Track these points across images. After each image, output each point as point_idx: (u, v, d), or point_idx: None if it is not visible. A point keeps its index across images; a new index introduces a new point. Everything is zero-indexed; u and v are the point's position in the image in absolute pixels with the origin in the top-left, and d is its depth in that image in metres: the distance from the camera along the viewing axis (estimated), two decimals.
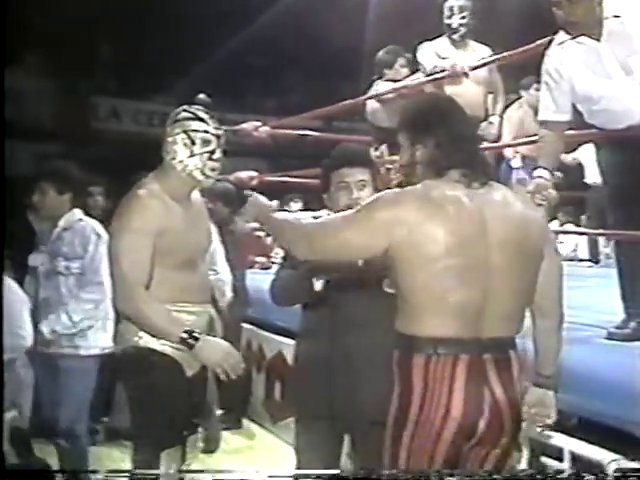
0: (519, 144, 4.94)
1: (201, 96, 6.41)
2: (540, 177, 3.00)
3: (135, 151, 11.68)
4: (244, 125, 6.26)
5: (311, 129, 7.04)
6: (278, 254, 6.16)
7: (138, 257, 2.44)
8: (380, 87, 5.24)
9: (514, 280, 1.97)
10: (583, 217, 9.27)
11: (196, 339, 2.42)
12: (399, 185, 2.17)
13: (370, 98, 5.26)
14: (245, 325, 5.08)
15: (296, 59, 13.98)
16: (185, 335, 2.41)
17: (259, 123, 6.34)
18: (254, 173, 6.26)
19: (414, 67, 5.19)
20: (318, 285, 2.51)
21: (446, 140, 1.98)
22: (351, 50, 10.74)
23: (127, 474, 2.12)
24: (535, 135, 4.83)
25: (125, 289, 2.44)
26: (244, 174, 6.11)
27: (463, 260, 1.90)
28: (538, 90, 4.92)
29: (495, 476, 1.92)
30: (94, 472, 2.23)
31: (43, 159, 3.63)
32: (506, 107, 5.52)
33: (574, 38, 2.97)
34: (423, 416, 1.91)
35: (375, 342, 2.53)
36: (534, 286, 2.04)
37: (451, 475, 1.88)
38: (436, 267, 1.89)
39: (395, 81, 5.16)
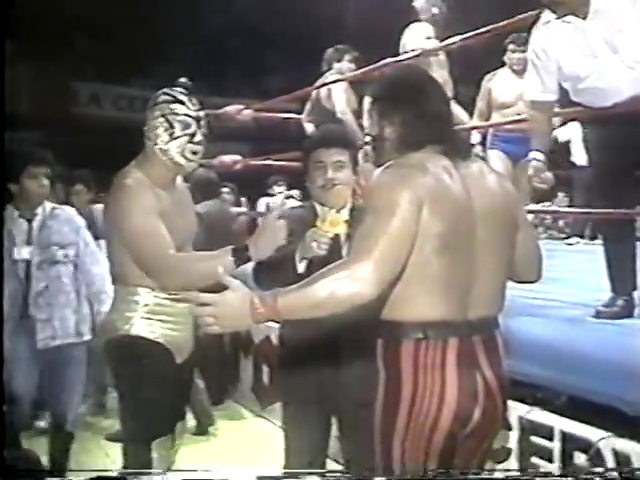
0: (504, 123, 4.87)
1: (182, 80, 6.35)
2: (535, 159, 2.99)
3: (117, 137, 11.62)
4: (227, 108, 6.21)
5: (293, 112, 6.98)
6: None
7: (154, 230, 2.39)
8: (328, 78, 5.43)
9: (498, 254, 1.91)
10: (560, 194, 9.30)
11: (245, 248, 2.32)
12: (374, 162, 2.09)
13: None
14: None
15: (276, 41, 13.88)
16: (234, 257, 2.31)
17: (242, 106, 6.30)
18: (238, 157, 6.23)
19: (360, 64, 5.36)
20: (301, 267, 2.48)
21: (413, 118, 1.90)
22: (332, 31, 10.67)
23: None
24: (509, 104, 4.98)
25: (159, 265, 2.37)
26: (228, 158, 6.08)
27: (452, 236, 1.81)
28: (514, 52, 5.05)
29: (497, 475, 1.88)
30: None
31: (21, 147, 3.58)
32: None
33: (560, 17, 2.96)
34: (416, 407, 1.82)
35: (362, 323, 2.52)
36: (512, 259, 1.97)
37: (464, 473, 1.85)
38: (428, 245, 1.79)
39: (341, 74, 5.38)
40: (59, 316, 3.34)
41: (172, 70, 13.30)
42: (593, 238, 7.32)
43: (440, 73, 4.83)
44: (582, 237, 8.05)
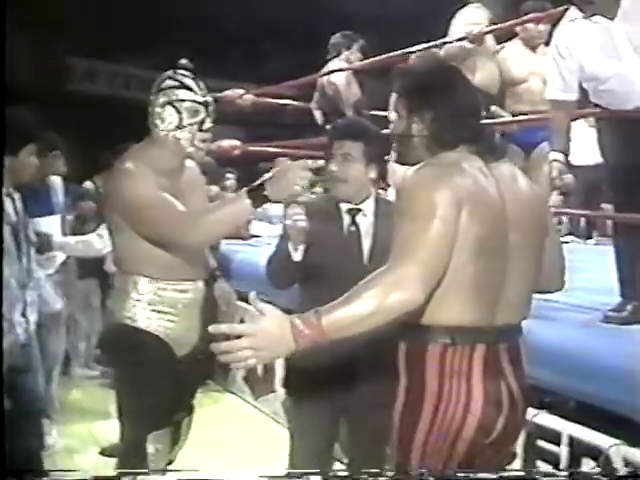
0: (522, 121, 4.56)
1: (183, 61, 6.23)
2: (556, 160, 2.93)
3: (111, 115, 11.49)
4: (227, 92, 6.11)
5: (292, 98, 6.90)
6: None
7: (161, 198, 2.31)
8: (334, 65, 5.34)
9: (528, 260, 1.84)
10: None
11: (262, 188, 2.20)
12: (399, 159, 2.02)
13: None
14: None
15: (276, 25, 13.74)
16: (251, 198, 2.20)
17: (242, 91, 6.21)
18: (236, 142, 6.13)
19: (367, 53, 5.32)
20: (297, 256, 2.43)
21: (446, 115, 1.82)
22: (333, 16, 10.56)
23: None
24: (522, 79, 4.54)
25: (176, 226, 2.28)
26: (226, 143, 5.98)
27: (488, 240, 1.75)
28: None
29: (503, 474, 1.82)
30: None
31: (15, 122, 3.49)
32: None
33: (587, 17, 2.89)
34: (440, 413, 1.75)
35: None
36: (541, 266, 1.91)
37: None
38: (466, 249, 1.72)
39: (350, 62, 5.30)
40: None
41: (169, 50, 13.18)
42: (588, 237, 7.29)
43: (489, 67, 4.55)
44: (577, 236, 8.02)
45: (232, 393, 5.01)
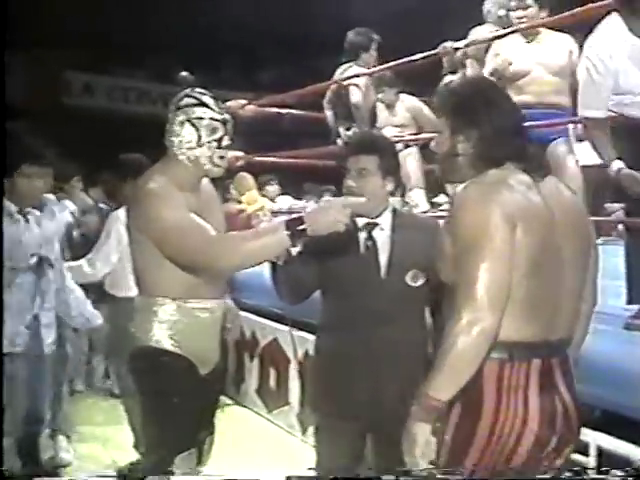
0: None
1: (183, 73, 6.25)
2: (623, 168, 2.92)
3: (110, 128, 11.48)
4: (229, 103, 6.07)
5: (291, 106, 6.88)
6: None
7: (191, 221, 2.27)
8: (353, 71, 5.12)
9: (578, 275, 1.86)
10: None
11: (300, 221, 2.16)
12: (443, 177, 2.02)
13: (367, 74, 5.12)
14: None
15: (273, 34, 13.74)
16: (289, 230, 2.16)
17: (245, 101, 6.18)
18: (240, 153, 6.10)
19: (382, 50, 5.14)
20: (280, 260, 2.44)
21: (491, 133, 1.83)
22: (330, 24, 10.55)
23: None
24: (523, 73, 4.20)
25: (206, 252, 2.24)
26: (230, 154, 5.94)
27: (543, 256, 1.76)
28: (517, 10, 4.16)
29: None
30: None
31: (12, 137, 3.47)
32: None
33: (631, 28, 2.84)
34: (497, 428, 1.76)
35: (399, 337, 2.46)
36: (589, 279, 1.92)
37: None
38: (522, 266, 1.73)
39: (369, 65, 5.11)
40: None
41: (167, 61, 13.21)
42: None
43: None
44: None
45: (244, 407, 4.97)
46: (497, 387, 1.77)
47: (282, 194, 8.06)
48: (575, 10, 3.49)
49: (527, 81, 4.13)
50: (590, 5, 3.34)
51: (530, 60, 4.16)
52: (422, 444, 1.74)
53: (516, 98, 4.21)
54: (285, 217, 2.26)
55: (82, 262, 3.92)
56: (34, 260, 3.16)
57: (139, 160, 3.93)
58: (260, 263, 2.32)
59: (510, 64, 4.10)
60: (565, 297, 1.82)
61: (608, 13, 2.97)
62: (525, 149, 1.89)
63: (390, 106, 5.64)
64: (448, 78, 5.18)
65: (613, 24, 2.93)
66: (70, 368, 4.31)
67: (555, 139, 3.99)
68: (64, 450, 3.97)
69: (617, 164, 2.96)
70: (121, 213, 4.01)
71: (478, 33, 4.79)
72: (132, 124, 11.85)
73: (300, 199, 9.19)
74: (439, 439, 1.82)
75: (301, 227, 2.15)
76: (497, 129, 1.84)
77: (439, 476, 1.79)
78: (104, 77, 14.08)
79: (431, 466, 1.78)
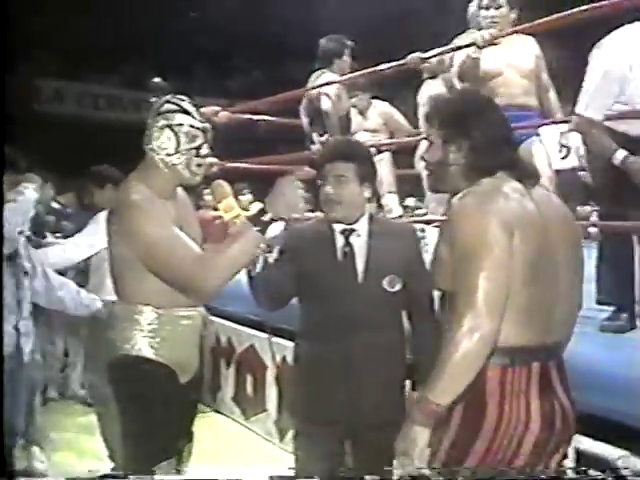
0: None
1: (156, 80, 6.21)
2: (628, 156, 2.93)
3: (80, 135, 11.39)
4: (203, 109, 6.05)
5: (265, 113, 6.87)
6: None
7: (177, 239, 2.25)
8: (326, 78, 5.06)
9: (572, 279, 1.91)
10: None
11: (262, 212, 2.23)
12: (433, 186, 2.04)
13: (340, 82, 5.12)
14: (213, 318, 4.94)
15: (246, 40, 13.73)
16: (256, 226, 2.21)
17: (218, 108, 6.16)
18: (214, 160, 6.07)
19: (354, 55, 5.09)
20: (258, 266, 2.48)
21: (482, 143, 1.87)
22: (304, 30, 10.56)
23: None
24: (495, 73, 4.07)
25: (194, 271, 2.21)
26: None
27: (539, 262, 1.80)
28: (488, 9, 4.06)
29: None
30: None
31: None
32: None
33: None
34: (500, 434, 1.79)
35: (377, 342, 2.46)
36: (582, 281, 1.97)
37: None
38: (519, 273, 1.77)
39: (343, 71, 5.05)
40: None
41: (138, 68, 13.15)
42: None
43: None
44: None
45: (220, 413, 4.95)
46: (500, 392, 1.80)
47: (255, 201, 8.05)
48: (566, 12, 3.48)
49: (499, 83, 4.12)
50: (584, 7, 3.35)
51: (501, 62, 4.14)
52: (421, 448, 1.76)
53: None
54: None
55: (65, 243, 3.89)
56: (29, 265, 3.20)
57: (110, 171, 3.93)
58: (242, 268, 2.32)
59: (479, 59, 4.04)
60: (560, 300, 1.86)
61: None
62: (516, 158, 1.94)
63: (363, 111, 5.66)
64: (428, 83, 5.19)
65: (633, 32, 2.96)
66: (44, 376, 4.27)
67: (525, 140, 3.99)
68: (38, 460, 3.92)
69: (621, 153, 2.97)
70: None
71: (462, 41, 4.75)
72: (103, 131, 11.78)
73: None
74: (437, 442, 1.85)
75: (265, 217, 2.20)
76: (488, 139, 1.88)
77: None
78: (74, 83, 13.97)
79: (423, 468, 1.80)
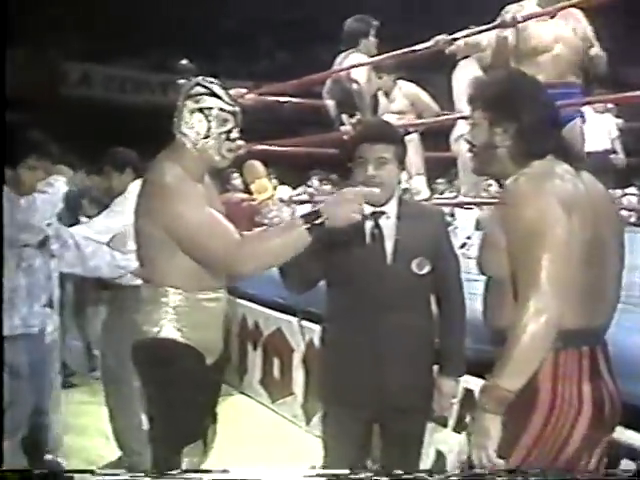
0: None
1: (183, 62, 6.17)
2: None
3: (107, 118, 11.43)
4: (230, 92, 6.03)
5: (290, 95, 6.84)
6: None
7: (216, 222, 2.24)
8: (354, 58, 5.02)
9: (617, 262, 1.90)
10: None
11: (317, 214, 2.14)
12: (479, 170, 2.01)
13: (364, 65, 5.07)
14: (240, 301, 4.95)
15: (272, 22, 13.68)
16: (307, 224, 2.14)
17: (245, 90, 6.13)
18: (241, 142, 6.06)
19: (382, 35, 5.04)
20: None
21: (529, 125, 1.85)
22: (329, 12, 10.48)
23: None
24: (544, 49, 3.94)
25: (233, 255, 2.20)
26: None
27: (594, 244, 1.79)
28: None
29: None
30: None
31: (11, 129, 3.45)
32: None
33: None
34: (552, 420, 1.77)
35: (404, 325, 2.44)
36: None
37: None
38: (577, 254, 1.76)
39: (369, 52, 5.02)
40: None
41: (165, 51, 13.15)
42: None
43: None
44: None
45: (248, 396, 4.96)
46: (552, 377, 1.78)
47: (280, 184, 8.05)
48: None
49: (547, 59, 4.01)
50: None
51: (550, 37, 4.02)
52: (495, 437, 1.74)
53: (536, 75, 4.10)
54: (294, 209, 2.23)
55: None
56: (40, 237, 3.19)
57: (129, 153, 3.91)
58: (283, 261, 2.28)
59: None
60: (609, 284, 1.86)
61: None
62: (564, 140, 1.92)
63: (388, 93, 5.61)
64: (462, 64, 5.11)
65: None
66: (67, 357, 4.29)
67: (570, 120, 3.78)
68: (61, 445, 3.92)
69: None
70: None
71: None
72: (130, 114, 11.81)
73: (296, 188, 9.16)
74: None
75: (318, 221, 2.13)
76: (536, 122, 1.85)
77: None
78: (101, 67, 14.00)
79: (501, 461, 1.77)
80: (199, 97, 2.33)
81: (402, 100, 5.65)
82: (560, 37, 3.99)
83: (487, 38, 4.25)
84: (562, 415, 1.77)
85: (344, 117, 4.98)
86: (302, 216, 2.17)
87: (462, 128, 4.50)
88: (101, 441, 4.09)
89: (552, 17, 4.05)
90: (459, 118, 4.63)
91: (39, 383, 3.13)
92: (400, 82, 5.66)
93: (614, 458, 2.48)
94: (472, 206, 5.80)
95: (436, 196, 6.83)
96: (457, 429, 3.11)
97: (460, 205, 4.22)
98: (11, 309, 3.04)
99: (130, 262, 3.29)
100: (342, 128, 5.02)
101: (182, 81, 5.40)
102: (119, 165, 3.85)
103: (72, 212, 4.54)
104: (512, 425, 1.78)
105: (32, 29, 11.87)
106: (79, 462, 3.80)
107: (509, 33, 3.86)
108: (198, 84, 2.37)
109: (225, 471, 1.86)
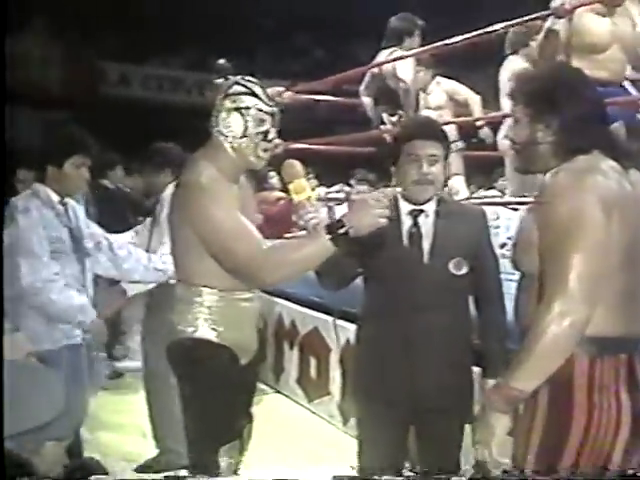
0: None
1: (221, 61, 6.19)
2: None
3: (146, 117, 11.52)
4: (267, 90, 6.02)
5: (324, 93, 6.83)
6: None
7: (244, 229, 2.22)
8: (398, 55, 5.03)
9: None
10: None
11: (341, 224, 2.10)
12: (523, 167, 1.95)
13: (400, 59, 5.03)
14: (276, 299, 4.94)
15: (308, 21, 13.67)
16: (331, 235, 2.09)
17: (282, 88, 6.12)
18: (278, 141, 6.05)
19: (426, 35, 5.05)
20: None
21: (573, 120, 1.76)
22: (365, 9, 10.45)
23: None
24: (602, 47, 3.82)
25: (257, 263, 2.18)
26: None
27: (634, 245, 1.70)
28: None
29: None
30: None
31: (51, 128, 3.46)
32: None
33: None
34: (592, 431, 1.69)
35: (441, 326, 2.41)
36: None
37: None
38: (616, 256, 1.67)
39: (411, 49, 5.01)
40: None
41: (201, 50, 13.21)
42: None
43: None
44: None
45: (285, 396, 4.95)
46: (588, 385, 1.70)
47: (319, 185, 8.01)
48: None
49: (607, 56, 3.91)
50: None
51: (608, 34, 3.92)
52: (500, 436, 1.68)
53: (592, 73, 3.63)
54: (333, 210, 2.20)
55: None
56: (91, 245, 3.20)
57: (176, 150, 3.91)
58: (306, 272, 2.25)
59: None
60: None
61: None
62: (611, 136, 1.84)
63: (426, 89, 5.57)
64: (510, 60, 5.02)
65: None
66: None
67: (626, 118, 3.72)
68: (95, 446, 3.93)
69: None
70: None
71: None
72: (167, 113, 11.89)
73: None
74: (524, 440, 1.76)
75: (342, 230, 2.09)
76: (580, 117, 1.77)
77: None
78: (139, 66, 14.11)
79: (507, 462, 1.72)
80: (237, 96, 2.31)
81: (440, 96, 5.61)
82: (617, 35, 3.89)
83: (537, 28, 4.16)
84: (602, 427, 1.69)
85: (384, 115, 4.95)
86: (326, 226, 2.13)
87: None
88: (139, 439, 4.12)
89: (609, 15, 3.94)
90: (504, 116, 4.54)
91: (79, 387, 3.12)
92: (438, 77, 5.63)
93: None
94: (517, 206, 5.73)
95: (479, 194, 6.74)
96: None
97: (503, 204, 4.14)
98: (48, 322, 3.03)
99: (168, 265, 3.29)
100: (382, 127, 4.99)
101: (219, 80, 5.43)
102: (159, 165, 3.86)
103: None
104: (552, 438, 1.71)
105: (69, 30, 12.02)
106: (116, 459, 3.83)
107: (560, 26, 3.76)
108: (237, 83, 2.34)
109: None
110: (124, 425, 4.40)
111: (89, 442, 3.62)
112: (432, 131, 2.51)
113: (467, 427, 2.47)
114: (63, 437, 2.78)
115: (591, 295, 1.63)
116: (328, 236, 2.10)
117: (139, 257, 3.37)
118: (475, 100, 5.62)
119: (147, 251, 3.56)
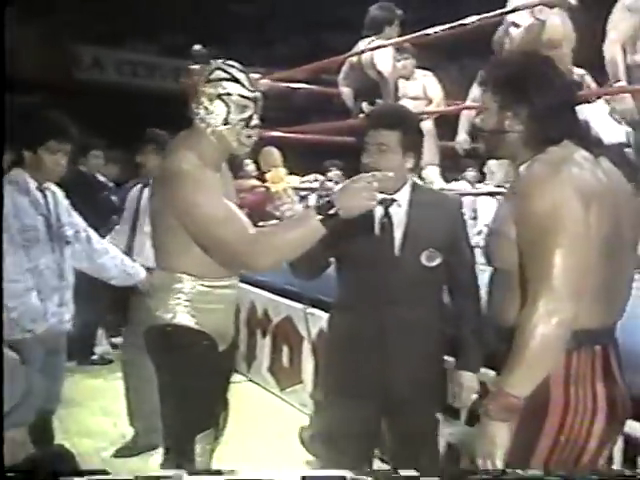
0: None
1: (197, 47, 6.13)
2: None
3: (119, 102, 11.39)
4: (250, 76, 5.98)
5: (301, 81, 6.80)
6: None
7: (231, 214, 2.19)
8: (377, 44, 5.02)
9: (633, 258, 1.81)
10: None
11: (331, 205, 2.07)
12: (488, 153, 1.93)
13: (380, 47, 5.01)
14: (249, 287, 4.93)
15: (285, 8, 13.58)
16: (321, 216, 2.07)
17: (258, 75, 6.08)
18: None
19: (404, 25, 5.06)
20: None
21: (542, 110, 1.73)
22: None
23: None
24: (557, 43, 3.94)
25: (246, 248, 2.15)
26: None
27: (613, 238, 1.68)
28: None
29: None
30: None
31: (25, 112, 3.38)
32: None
33: None
34: (566, 426, 1.68)
35: (413, 317, 2.41)
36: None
37: None
38: (596, 249, 1.65)
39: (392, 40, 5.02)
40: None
41: (176, 36, 13.09)
42: None
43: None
44: None
45: (256, 384, 4.94)
46: (564, 379, 1.68)
47: (290, 174, 7.95)
48: None
49: (557, 55, 3.82)
50: None
51: (560, 32, 3.99)
52: (503, 446, 1.65)
53: None
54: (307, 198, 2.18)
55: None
56: (71, 232, 3.16)
57: (160, 135, 3.87)
58: (297, 255, 2.21)
59: None
60: (623, 281, 1.77)
61: None
62: (580, 125, 1.81)
63: (407, 78, 5.58)
64: None
65: None
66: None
67: None
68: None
69: None
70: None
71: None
72: (142, 99, 11.77)
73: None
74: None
75: (332, 211, 2.07)
76: (550, 106, 1.74)
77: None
78: (113, 51, 13.93)
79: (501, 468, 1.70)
80: (218, 82, 2.26)
81: (418, 86, 5.63)
82: (567, 35, 3.99)
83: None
84: (577, 418, 1.68)
85: (364, 104, 4.94)
86: (315, 207, 2.11)
87: None
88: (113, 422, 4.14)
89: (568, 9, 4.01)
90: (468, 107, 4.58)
91: (52, 370, 3.10)
92: (417, 70, 5.65)
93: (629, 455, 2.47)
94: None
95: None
96: (470, 423, 3.08)
97: (482, 194, 4.16)
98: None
99: (139, 270, 3.31)
100: (360, 116, 4.98)
101: (195, 66, 5.38)
102: (152, 146, 3.84)
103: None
104: (525, 432, 1.69)
105: (43, 14, 11.82)
106: (92, 443, 3.86)
107: (537, 23, 3.80)
108: (218, 68, 2.29)
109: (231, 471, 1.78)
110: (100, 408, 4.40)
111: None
112: (386, 120, 2.47)
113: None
114: (23, 423, 2.76)
115: (576, 291, 1.61)
116: (318, 217, 2.08)
117: (115, 255, 3.34)
118: (437, 99, 5.65)
119: (128, 249, 3.59)
